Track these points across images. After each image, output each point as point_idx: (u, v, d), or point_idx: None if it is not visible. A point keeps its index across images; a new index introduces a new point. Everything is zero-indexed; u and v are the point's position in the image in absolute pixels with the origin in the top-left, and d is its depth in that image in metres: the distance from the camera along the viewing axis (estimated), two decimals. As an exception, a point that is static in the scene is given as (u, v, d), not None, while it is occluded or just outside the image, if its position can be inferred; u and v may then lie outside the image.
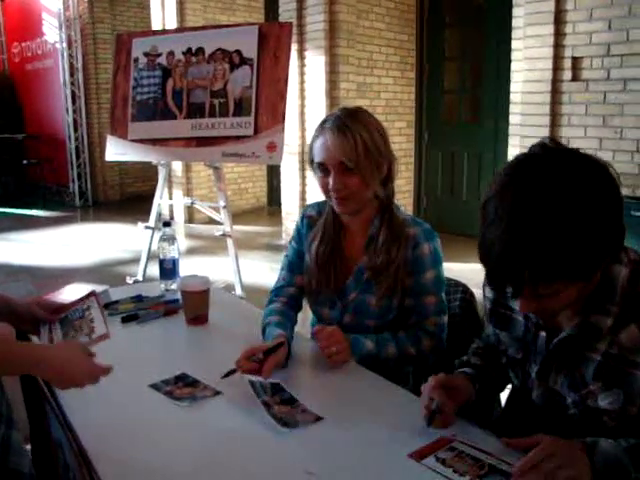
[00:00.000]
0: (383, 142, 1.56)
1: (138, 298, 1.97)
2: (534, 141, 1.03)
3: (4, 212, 8.03)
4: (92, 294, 1.47)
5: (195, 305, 1.76)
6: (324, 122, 1.56)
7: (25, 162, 9.11)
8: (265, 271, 5.05)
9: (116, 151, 4.35)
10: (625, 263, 1.04)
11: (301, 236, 1.74)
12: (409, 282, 1.58)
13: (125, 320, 1.78)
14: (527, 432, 1.06)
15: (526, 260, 0.92)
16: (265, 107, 3.79)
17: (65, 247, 6.27)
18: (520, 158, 1.00)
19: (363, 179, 1.52)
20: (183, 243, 6.35)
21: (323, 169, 1.55)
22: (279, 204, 6.47)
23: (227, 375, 1.37)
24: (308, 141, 1.75)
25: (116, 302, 1.91)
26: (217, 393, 1.33)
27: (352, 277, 1.63)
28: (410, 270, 1.57)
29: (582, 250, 0.92)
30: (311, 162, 1.61)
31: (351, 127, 1.51)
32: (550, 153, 0.98)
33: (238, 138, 3.86)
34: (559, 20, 3.96)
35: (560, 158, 0.96)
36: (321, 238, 1.66)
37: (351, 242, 1.66)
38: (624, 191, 0.98)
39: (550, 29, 3.97)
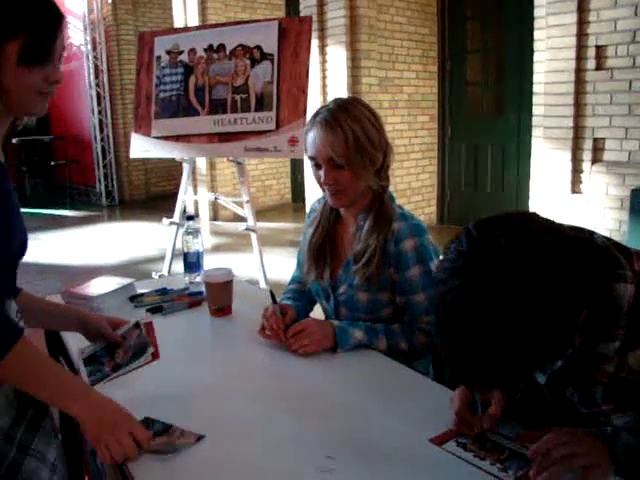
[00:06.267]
0: (377, 133, 1.52)
1: (163, 291, 2.00)
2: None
3: (33, 212, 8.18)
4: (137, 326, 1.39)
5: (219, 296, 1.78)
6: (316, 114, 1.54)
7: (53, 163, 9.26)
8: (289, 267, 5.03)
9: (140, 148, 4.40)
10: (629, 278, 0.93)
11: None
12: (396, 278, 1.54)
13: (150, 312, 1.81)
14: (541, 419, 1.05)
15: (467, 374, 0.94)
16: (286, 102, 3.80)
17: (92, 245, 6.38)
18: (447, 266, 0.89)
19: (355, 174, 1.51)
20: (208, 240, 6.40)
21: (315, 162, 1.55)
22: (303, 200, 6.48)
23: (273, 298, 1.60)
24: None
25: (141, 295, 1.95)
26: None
27: (342, 269, 1.62)
28: (395, 266, 1.53)
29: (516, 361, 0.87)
30: (307, 151, 1.60)
31: (341, 121, 1.48)
32: (475, 260, 0.85)
33: (260, 133, 3.88)
34: (582, 8, 3.89)
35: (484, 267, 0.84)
36: (315, 229, 1.67)
37: (345, 234, 1.65)
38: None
39: (573, 17, 3.91)
